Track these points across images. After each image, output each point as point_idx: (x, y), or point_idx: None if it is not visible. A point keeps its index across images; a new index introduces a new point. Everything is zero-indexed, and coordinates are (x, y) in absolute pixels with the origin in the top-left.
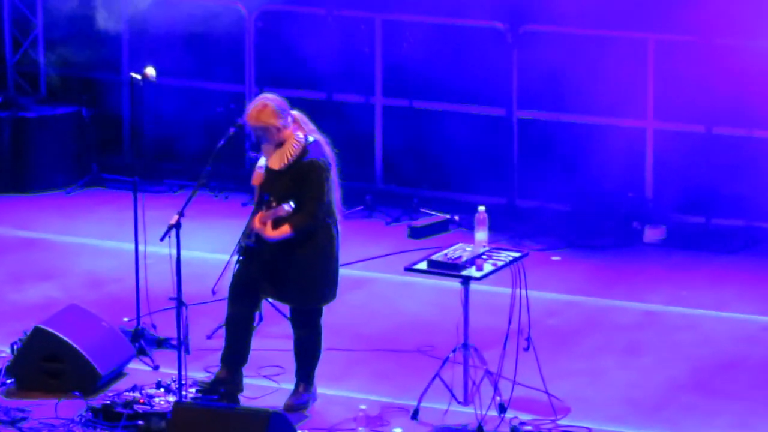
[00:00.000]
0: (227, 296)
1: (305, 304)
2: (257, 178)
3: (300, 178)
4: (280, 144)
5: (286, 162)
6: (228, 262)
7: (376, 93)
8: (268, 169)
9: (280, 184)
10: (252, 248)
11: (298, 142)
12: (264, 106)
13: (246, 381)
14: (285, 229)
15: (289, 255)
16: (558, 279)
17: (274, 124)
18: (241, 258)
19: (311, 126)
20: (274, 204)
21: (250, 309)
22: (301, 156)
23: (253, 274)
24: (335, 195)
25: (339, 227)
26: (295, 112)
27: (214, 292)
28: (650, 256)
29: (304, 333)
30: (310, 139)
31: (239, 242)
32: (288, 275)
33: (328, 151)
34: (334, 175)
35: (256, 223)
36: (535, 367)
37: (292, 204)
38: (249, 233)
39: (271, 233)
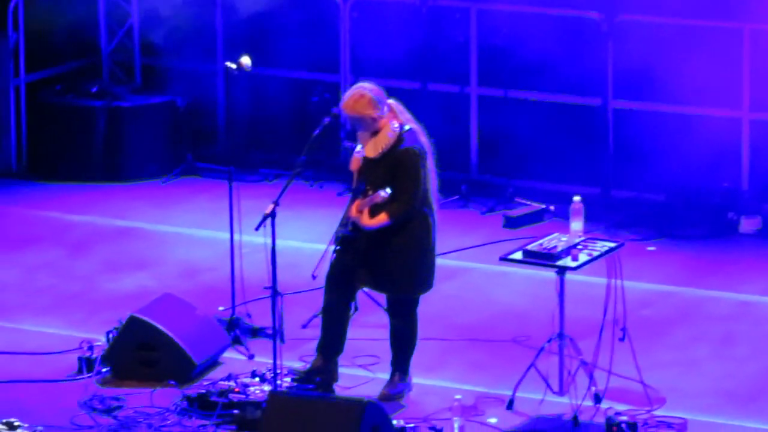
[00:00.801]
0: (324, 285)
1: (401, 293)
2: (354, 163)
3: (395, 167)
4: (375, 132)
5: (380, 150)
6: (326, 249)
7: (471, 83)
8: (364, 158)
9: (376, 172)
10: (349, 237)
11: (394, 131)
12: (361, 96)
13: (341, 370)
14: (381, 218)
15: (386, 244)
16: (653, 269)
17: (370, 115)
18: (338, 247)
19: (407, 115)
20: (370, 192)
21: (347, 298)
22: (397, 144)
23: (350, 263)
24: (432, 184)
25: (436, 216)
26: (391, 101)
27: (314, 277)
28: (745, 246)
29: (400, 322)
30: (406, 127)
31: (336, 231)
32: (384, 264)
33: (424, 139)
34: (430, 163)
35: (353, 212)
36: (630, 357)
37: (388, 190)
38: (346, 222)
39: (367, 222)
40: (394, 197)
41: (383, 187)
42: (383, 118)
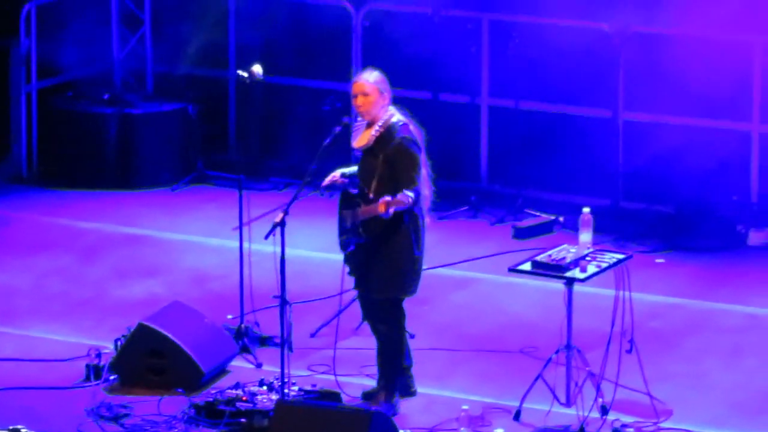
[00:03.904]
0: None
1: (386, 293)
2: (328, 181)
3: (393, 157)
4: (372, 123)
5: (371, 139)
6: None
7: (482, 93)
8: (361, 154)
9: (370, 165)
10: (362, 244)
11: (385, 120)
12: (372, 71)
13: (348, 380)
14: (401, 198)
15: (376, 247)
16: (662, 281)
17: (378, 88)
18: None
19: (406, 115)
20: (367, 191)
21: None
22: (389, 134)
23: (354, 276)
24: (426, 185)
25: (426, 221)
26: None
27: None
28: (754, 259)
29: (387, 329)
30: (399, 121)
31: (343, 240)
32: (374, 266)
33: (418, 135)
34: (424, 162)
35: (363, 213)
36: (637, 369)
37: (407, 192)
38: (352, 227)
39: (385, 207)
40: (399, 185)
41: (380, 181)
42: (386, 102)
